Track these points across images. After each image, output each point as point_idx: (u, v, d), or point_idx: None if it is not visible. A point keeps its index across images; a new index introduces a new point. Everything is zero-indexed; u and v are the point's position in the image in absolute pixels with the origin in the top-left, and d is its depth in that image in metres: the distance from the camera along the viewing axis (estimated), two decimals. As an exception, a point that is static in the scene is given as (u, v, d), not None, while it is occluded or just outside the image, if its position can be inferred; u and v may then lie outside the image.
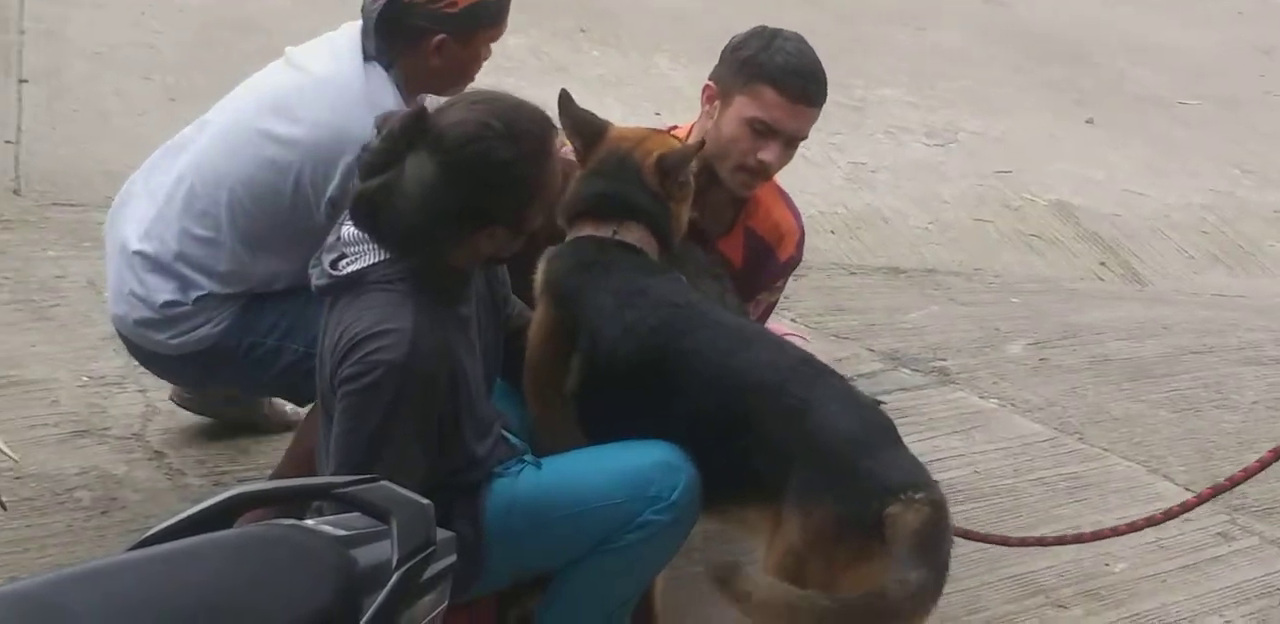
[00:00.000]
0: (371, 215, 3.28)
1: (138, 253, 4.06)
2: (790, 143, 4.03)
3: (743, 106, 4.00)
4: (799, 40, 4.04)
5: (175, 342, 4.04)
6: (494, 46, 4.07)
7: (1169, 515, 4.32)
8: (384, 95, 3.94)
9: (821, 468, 3.46)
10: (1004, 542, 4.47)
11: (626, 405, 3.70)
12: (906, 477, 3.46)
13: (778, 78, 3.95)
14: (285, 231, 3.96)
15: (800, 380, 3.62)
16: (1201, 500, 4.28)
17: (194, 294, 4.00)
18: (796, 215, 4.34)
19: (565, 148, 3.97)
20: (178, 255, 4.03)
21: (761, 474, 3.53)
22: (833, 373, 3.73)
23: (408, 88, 3.99)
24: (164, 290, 4.01)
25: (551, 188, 3.41)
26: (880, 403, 3.79)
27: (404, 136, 3.24)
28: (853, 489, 3.42)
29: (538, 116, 3.36)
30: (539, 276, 3.76)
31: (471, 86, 3.88)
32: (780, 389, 3.58)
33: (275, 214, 3.96)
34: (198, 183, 4.04)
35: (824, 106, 4.05)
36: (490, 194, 3.26)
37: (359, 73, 3.96)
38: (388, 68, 3.98)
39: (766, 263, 4.26)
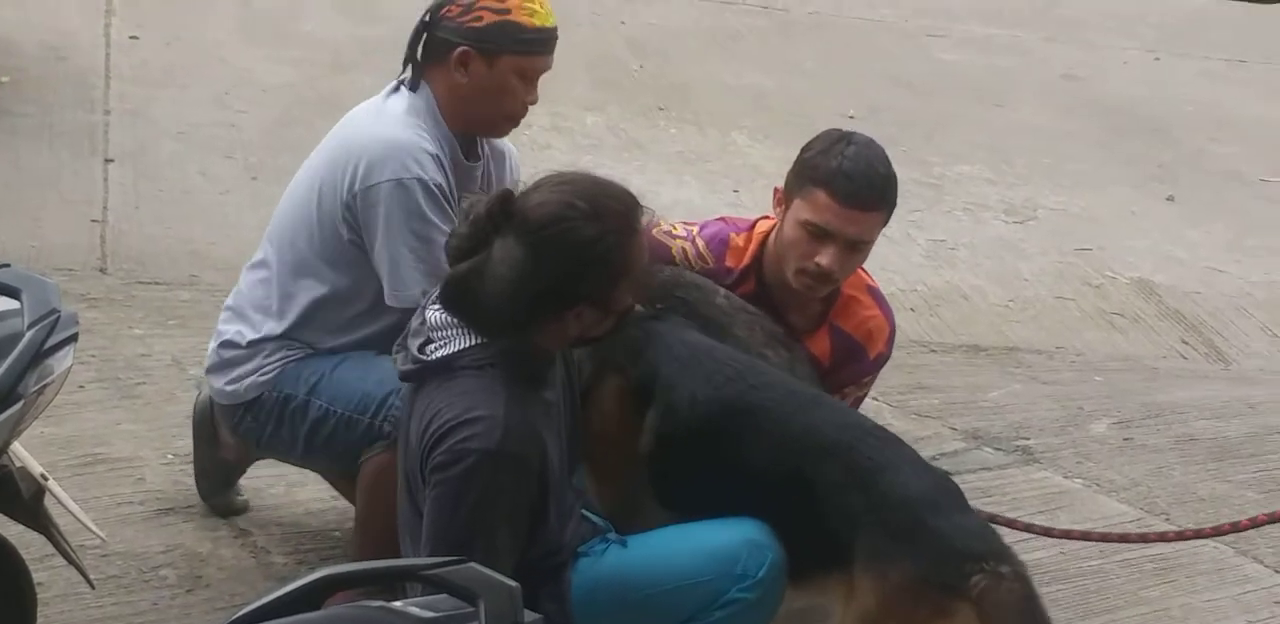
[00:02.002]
0: (461, 299, 3.30)
1: (225, 307, 4.32)
2: (852, 247, 4.03)
3: (799, 209, 4.03)
4: (865, 145, 4.05)
5: (229, 388, 4.17)
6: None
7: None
8: (396, 106, 4.08)
9: (894, 529, 3.48)
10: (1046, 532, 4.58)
11: (698, 463, 3.71)
12: (983, 542, 3.49)
13: (831, 181, 3.98)
14: (318, 253, 4.10)
15: (871, 443, 3.65)
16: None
17: (250, 336, 4.16)
18: (887, 312, 4.33)
19: (657, 227, 4.01)
20: (245, 299, 4.25)
21: (831, 537, 3.54)
22: (900, 440, 3.77)
23: (444, 112, 4.07)
24: (228, 333, 4.21)
25: (638, 265, 3.41)
26: (948, 474, 3.80)
27: (490, 220, 3.27)
28: (929, 550, 3.44)
29: (622, 195, 3.38)
30: (601, 346, 3.75)
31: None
32: (851, 450, 3.59)
33: (309, 239, 4.11)
34: (268, 228, 4.28)
35: (890, 207, 4.09)
36: (577, 274, 3.27)
37: (380, 97, 4.15)
38: (414, 89, 4.08)
39: (855, 360, 4.26)
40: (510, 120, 4.14)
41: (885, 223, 4.10)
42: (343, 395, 4.03)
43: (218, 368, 4.21)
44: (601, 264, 3.30)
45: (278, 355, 4.14)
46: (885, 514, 3.50)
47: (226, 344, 4.20)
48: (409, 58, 4.11)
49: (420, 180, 3.94)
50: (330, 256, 4.09)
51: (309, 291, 4.13)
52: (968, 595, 3.40)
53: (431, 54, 4.06)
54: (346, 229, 4.04)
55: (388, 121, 4.04)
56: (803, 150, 4.11)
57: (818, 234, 4.00)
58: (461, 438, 3.22)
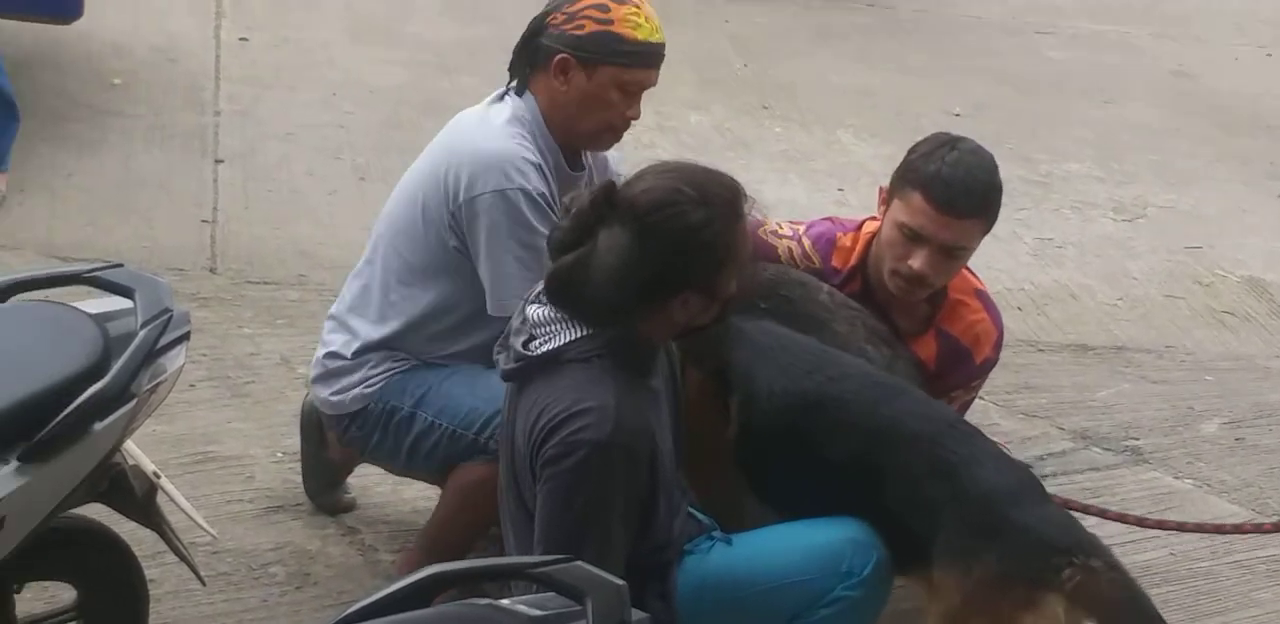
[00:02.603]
0: (567, 291, 3.31)
1: (328, 317, 4.34)
2: (947, 252, 4.01)
3: (897, 210, 4.03)
4: (971, 152, 4.03)
5: (334, 399, 4.20)
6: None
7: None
8: (499, 114, 4.09)
9: (976, 524, 3.46)
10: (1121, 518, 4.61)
11: (777, 456, 3.70)
12: (1068, 534, 3.48)
13: (928, 185, 3.97)
14: (424, 262, 4.12)
15: (952, 436, 3.65)
16: None
17: (354, 346, 4.19)
18: (995, 316, 4.31)
19: (763, 227, 4.01)
20: (348, 308, 4.27)
21: (912, 532, 3.53)
22: (982, 434, 3.75)
23: (548, 121, 4.08)
24: (334, 344, 4.24)
25: (744, 251, 3.42)
26: (1029, 467, 3.78)
27: (594, 210, 3.28)
28: (1013, 544, 3.42)
29: (728, 181, 3.39)
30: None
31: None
32: (932, 443, 3.58)
33: (414, 246, 4.14)
34: (371, 235, 4.31)
35: (993, 214, 4.09)
36: (684, 259, 3.28)
37: (484, 104, 4.17)
38: (520, 95, 4.10)
39: (962, 364, 4.25)
40: (610, 132, 4.13)
41: (985, 231, 4.07)
42: (449, 409, 4.04)
43: (323, 378, 4.25)
44: (708, 250, 3.30)
45: (383, 367, 4.17)
46: (967, 509, 3.49)
47: (331, 355, 4.23)
48: (515, 64, 4.13)
49: (523, 190, 3.96)
50: (435, 265, 4.12)
51: (413, 300, 4.15)
52: (1058, 589, 3.38)
53: (535, 61, 4.07)
54: (453, 237, 4.06)
55: (490, 131, 4.05)
56: (909, 151, 4.10)
57: (912, 237, 3.99)
58: (573, 430, 3.22)
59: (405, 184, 4.22)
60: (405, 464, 4.26)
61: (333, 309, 4.34)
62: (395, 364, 4.17)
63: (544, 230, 3.88)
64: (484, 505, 3.74)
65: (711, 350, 3.77)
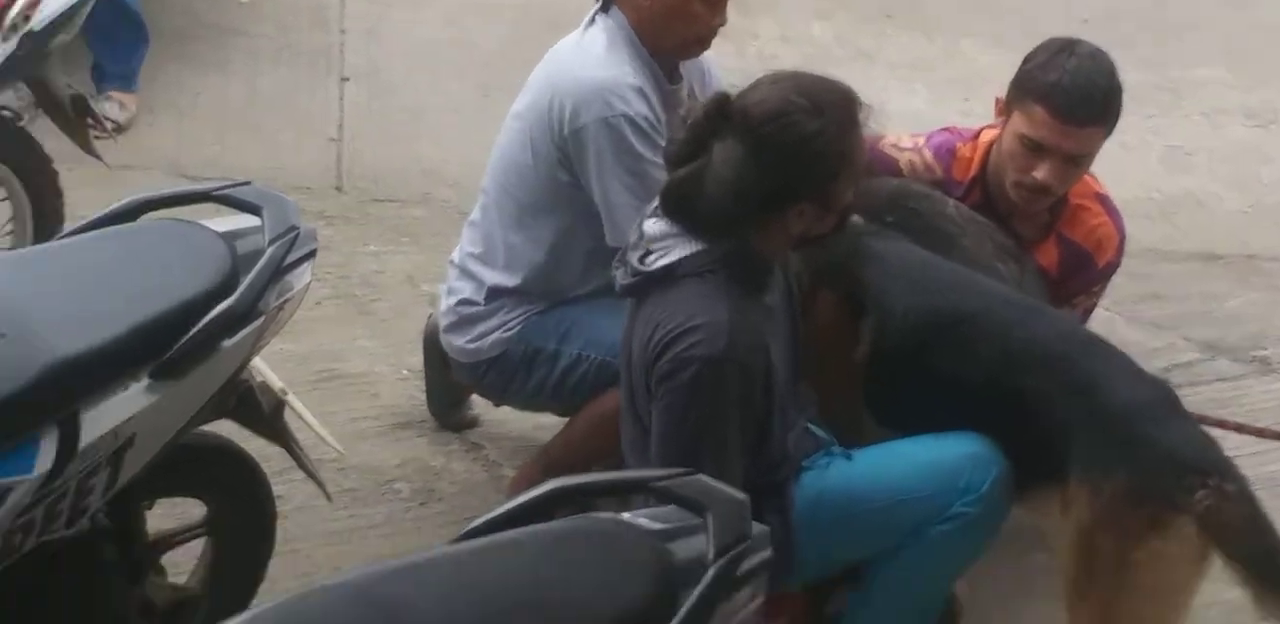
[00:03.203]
0: (683, 204, 3.31)
1: (449, 263, 4.34)
2: (1070, 160, 3.98)
3: (1017, 123, 4.00)
4: (1088, 56, 3.97)
5: (471, 346, 4.20)
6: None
7: None
8: (595, 39, 4.05)
9: (1111, 440, 3.44)
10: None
11: (911, 374, 3.69)
12: (1204, 454, 3.44)
13: (1047, 95, 3.93)
14: (540, 201, 4.12)
15: (1087, 353, 3.62)
16: None
17: (484, 290, 4.18)
18: (1116, 220, 4.27)
19: (883, 140, 3.98)
20: (469, 255, 4.26)
21: (1047, 449, 3.51)
22: (1117, 350, 3.71)
23: (640, 36, 4.04)
24: (463, 292, 4.24)
25: (859, 160, 3.40)
26: (1167, 383, 3.74)
27: (708, 122, 3.28)
28: (1147, 461, 3.40)
29: (842, 89, 3.37)
30: (809, 256, 3.75)
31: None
32: (1067, 359, 3.56)
33: (526, 185, 4.13)
34: (484, 181, 4.29)
35: (1116, 118, 4.04)
36: (799, 169, 3.27)
37: (578, 32, 4.12)
38: (606, 11, 4.07)
39: (1085, 269, 4.22)
40: (699, 43, 4.10)
41: (1107, 135, 4.02)
42: (596, 340, 4.03)
43: (457, 326, 4.23)
44: (823, 159, 3.29)
45: (520, 310, 4.17)
46: (1102, 425, 3.46)
47: (465, 302, 4.22)
48: None
49: (626, 116, 3.94)
50: (550, 202, 4.11)
51: (536, 241, 4.14)
52: (1189, 509, 3.35)
53: None
54: (564, 171, 4.05)
55: (589, 59, 4.02)
56: (1025, 59, 4.05)
57: (1034, 148, 3.96)
58: (687, 346, 3.23)
59: (510, 126, 4.20)
60: (549, 399, 4.27)
61: (455, 256, 4.33)
62: (531, 306, 4.17)
63: (650, 156, 3.88)
64: (615, 434, 3.72)
65: (844, 270, 3.77)
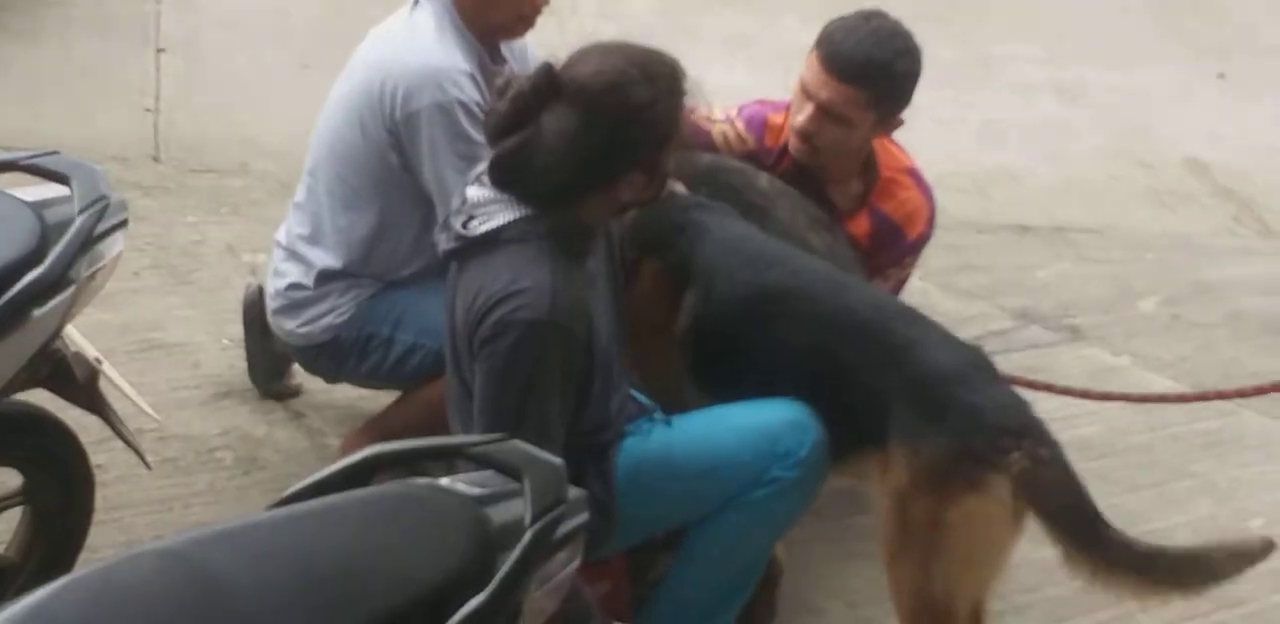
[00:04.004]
0: (513, 173, 3.33)
1: (275, 244, 4.30)
2: (828, 114, 4.06)
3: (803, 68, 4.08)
4: (880, 29, 4.06)
5: (303, 330, 4.19)
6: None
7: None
8: (424, 22, 4.04)
9: (927, 405, 3.50)
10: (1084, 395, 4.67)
11: (735, 346, 3.75)
12: (1018, 417, 3.52)
13: (821, 43, 4.06)
14: (369, 184, 4.10)
15: (903, 320, 3.69)
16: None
17: (313, 274, 4.16)
18: (926, 192, 4.35)
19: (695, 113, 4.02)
20: (297, 237, 4.24)
21: (866, 415, 3.57)
22: (931, 319, 3.78)
23: (466, 17, 4.04)
24: (291, 275, 4.22)
25: (683, 129, 3.44)
26: (981, 348, 3.82)
27: (535, 93, 3.29)
28: (961, 424, 3.47)
29: (669, 60, 3.40)
30: (638, 227, 3.79)
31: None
32: (884, 327, 3.63)
33: (355, 167, 4.11)
34: (308, 162, 4.26)
35: (927, 71, 4.08)
36: (633, 138, 3.30)
37: (402, 14, 4.12)
38: None
39: (895, 242, 4.30)
40: (524, 22, 4.10)
41: (872, 107, 4.06)
42: (430, 328, 3.97)
43: (287, 310, 4.21)
44: (655, 127, 3.32)
45: (350, 294, 4.15)
46: (918, 390, 3.52)
47: (294, 286, 4.19)
48: None
49: (460, 101, 3.93)
50: (379, 184, 4.09)
51: (365, 222, 4.13)
52: (1004, 470, 3.43)
53: None
54: (395, 154, 4.04)
55: (420, 44, 4.01)
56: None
57: (804, 92, 4.07)
58: (510, 310, 3.24)
59: (337, 104, 4.16)
60: (383, 382, 4.27)
61: (280, 237, 4.30)
62: (361, 290, 4.16)
63: (481, 139, 3.88)
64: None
65: (672, 242, 3.80)
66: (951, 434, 3.47)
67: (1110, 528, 3.43)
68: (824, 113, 4.05)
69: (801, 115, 4.08)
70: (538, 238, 3.33)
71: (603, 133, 3.27)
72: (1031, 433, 3.50)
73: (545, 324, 3.24)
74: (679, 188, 3.86)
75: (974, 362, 3.65)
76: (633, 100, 3.28)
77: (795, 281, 3.76)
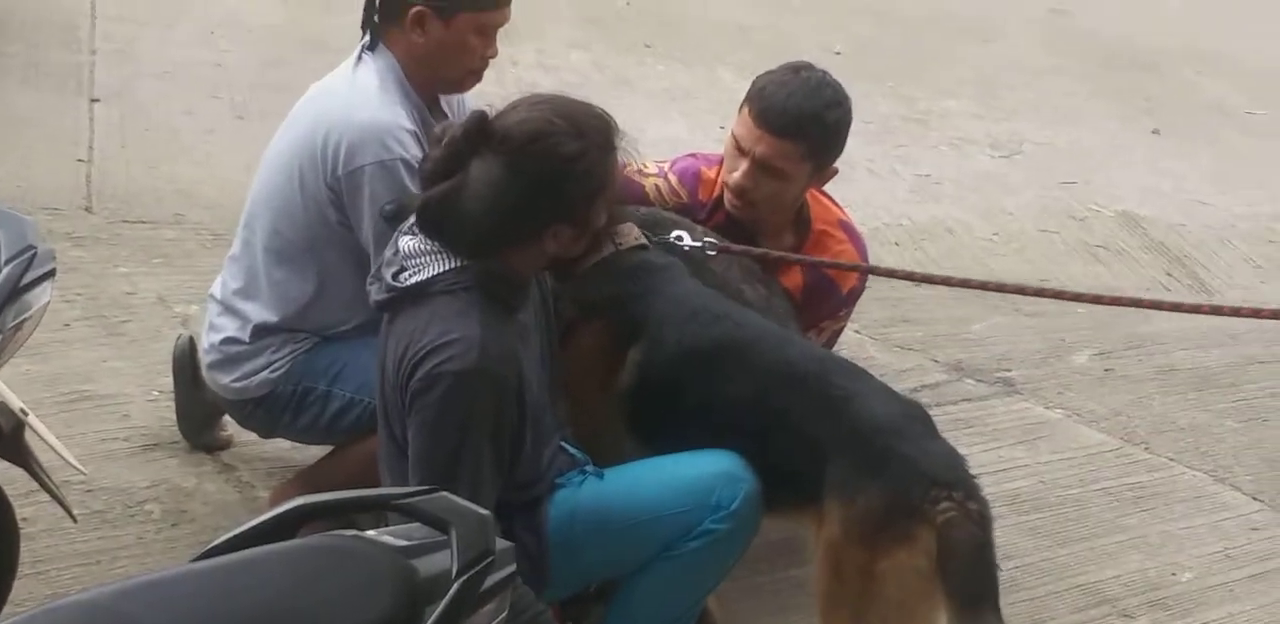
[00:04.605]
0: (439, 221, 3.32)
1: (210, 297, 4.27)
2: (765, 169, 4.08)
3: (734, 124, 4.12)
4: (810, 80, 4.10)
5: (237, 385, 4.15)
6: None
7: None
8: (367, 79, 4.02)
9: (862, 457, 3.51)
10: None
11: (678, 399, 3.74)
12: (951, 470, 3.53)
13: (753, 98, 4.09)
14: (306, 239, 4.06)
15: (840, 373, 3.70)
16: None
17: (249, 328, 4.13)
18: (859, 245, 4.37)
19: (629, 167, 4.03)
20: (233, 291, 4.20)
21: (803, 466, 3.57)
22: (867, 372, 3.81)
23: (409, 73, 4.02)
24: (227, 329, 4.18)
25: (614, 184, 3.44)
26: (918, 402, 3.84)
27: (466, 140, 3.29)
28: (895, 477, 3.47)
29: (598, 113, 3.40)
30: (584, 283, 3.78)
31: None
32: (821, 380, 3.63)
33: (293, 222, 4.07)
34: (244, 215, 4.22)
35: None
36: (558, 190, 3.30)
37: (345, 70, 4.08)
38: (373, 49, 4.03)
39: (829, 295, 4.31)
40: (473, 76, 4.08)
41: (807, 159, 4.08)
42: (368, 384, 3.88)
43: (221, 365, 4.17)
44: (581, 181, 3.32)
45: (286, 349, 4.11)
46: (853, 442, 3.53)
47: (229, 341, 4.15)
48: (366, 20, 4.05)
49: (404, 159, 3.90)
50: (317, 240, 4.05)
51: (300, 277, 4.09)
52: (932, 521, 3.43)
53: (387, 15, 4.00)
54: (334, 212, 4.00)
55: (363, 100, 3.97)
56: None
57: (737, 148, 4.10)
58: (439, 361, 3.23)
59: (276, 157, 4.12)
60: (319, 438, 4.24)
61: (215, 290, 4.26)
62: (297, 345, 4.12)
63: None
64: None
65: (616, 301, 3.79)
66: (885, 485, 3.48)
67: (994, 614, 3.42)
68: (760, 167, 4.07)
69: (737, 172, 4.09)
70: (466, 289, 3.32)
71: (527, 183, 3.26)
72: (964, 487, 3.50)
73: (474, 373, 3.23)
74: (634, 233, 3.85)
75: (911, 415, 3.66)
76: (559, 151, 3.28)
77: (739, 334, 3.76)
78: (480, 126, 3.29)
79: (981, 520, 3.48)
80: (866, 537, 3.48)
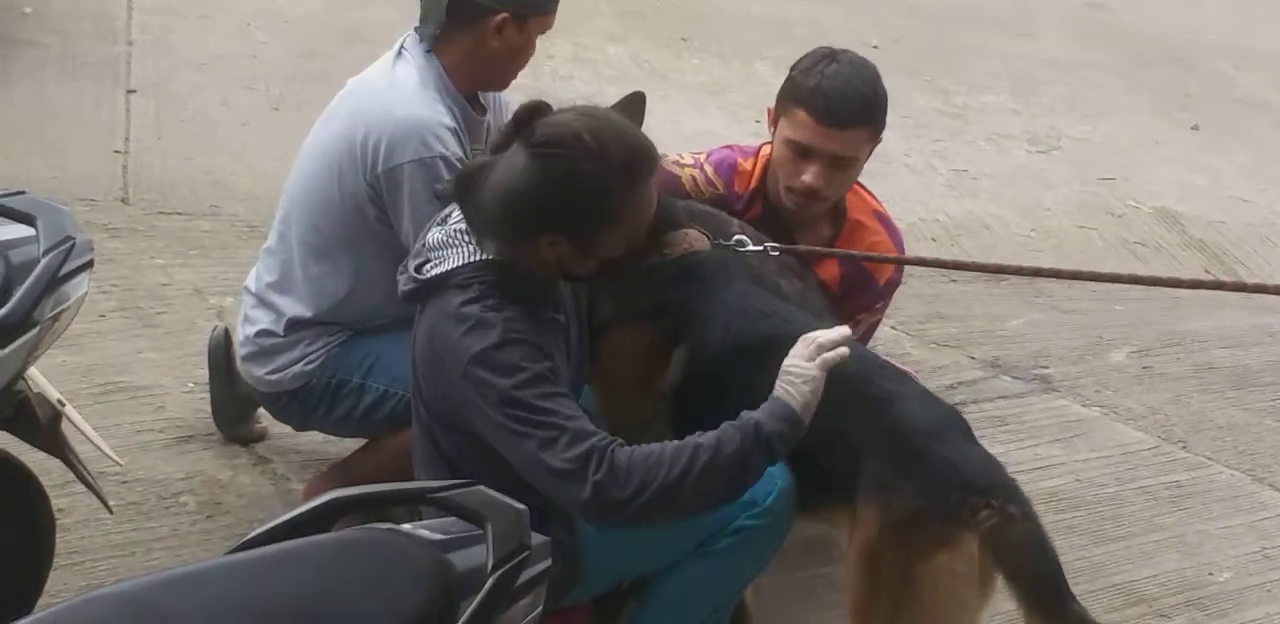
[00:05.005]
0: (467, 192, 3.33)
1: (244, 290, 4.27)
2: (836, 164, 4.05)
3: (783, 129, 4.08)
4: (849, 64, 4.05)
5: (272, 377, 4.15)
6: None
7: None
8: (407, 75, 4.02)
9: (899, 459, 3.48)
10: None
11: (720, 396, 3.71)
12: (989, 475, 3.49)
13: (808, 99, 4.01)
14: (343, 235, 4.07)
15: (881, 374, 3.66)
16: None
17: (283, 322, 4.13)
18: (895, 236, 4.34)
19: (665, 158, 4.00)
20: (268, 285, 4.20)
21: (840, 466, 3.55)
22: (908, 375, 3.79)
23: (461, 73, 4.03)
24: (261, 322, 4.18)
25: (633, 217, 3.36)
26: (957, 407, 3.80)
27: (515, 126, 3.28)
28: (932, 481, 3.44)
29: (638, 145, 3.33)
30: (635, 283, 3.77)
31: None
32: (861, 381, 3.60)
33: (330, 217, 4.07)
34: (280, 209, 4.23)
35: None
36: (559, 202, 3.25)
37: (385, 65, 4.08)
38: (428, 52, 4.03)
39: (865, 287, 4.28)
40: (513, 74, 4.12)
41: (872, 140, 4.09)
42: (403, 377, 3.86)
43: (256, 357, 4.17)
44: (585, 202, 3.26)
45: (320, 342, 4.12)
46: (891, 444, 3.50)
47: (263, 333, 4.15)
48: (432, 18, 4.03)
49: (443, 157, 3.90)
50: (356, 236, 4.05)
51: (337, 273, 4.09)
52: (972, 528, 3.40)
53: (462, 20, 3.98)
54: (373, 208, 4.00)
55: (404, 97, 3.97)
56: (792, 68, 4.12)
57: (801, 152, 4.04)
58: (465, 348, 3.24)
59: (314, 152, 4.12)
60: (352, 431, 4.24)
61: (250, 283, 4.27)
62: (331, 338, 4.12)
63: None
64: None
65: (661, 304, 3.77)
66: (923, 490, 3.44)
67: (1073, 601, 3.39)
68: (831, 164, 4.04)
69: (808, 175, 4.03)
70: (482, 284, 3.31)
71: (533, 183, 3.23)
72: (1004, 492, 3.47)
73: (501, 346, 3.22)
74: (685, 242, 3.82)
75: (950, 419, 3.63)
76: (568, 166, 3.23)
77: (786, 331, 3.73)
78: (528, 116, 3.28)
79: (1026, 519, 3.45)
80: (903, 539, 3.45)
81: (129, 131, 6.53)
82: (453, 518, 2.57)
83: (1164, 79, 9.43)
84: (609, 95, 3.71)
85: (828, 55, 4.09)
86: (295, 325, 4.13)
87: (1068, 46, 9.73)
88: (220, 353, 4.49)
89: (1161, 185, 7.89)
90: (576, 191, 3.24)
